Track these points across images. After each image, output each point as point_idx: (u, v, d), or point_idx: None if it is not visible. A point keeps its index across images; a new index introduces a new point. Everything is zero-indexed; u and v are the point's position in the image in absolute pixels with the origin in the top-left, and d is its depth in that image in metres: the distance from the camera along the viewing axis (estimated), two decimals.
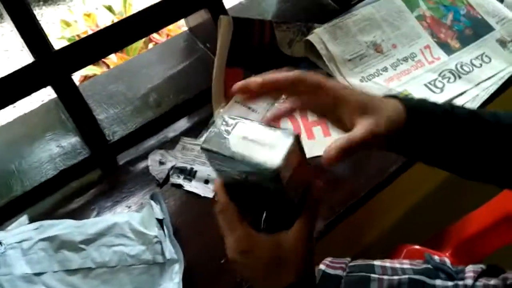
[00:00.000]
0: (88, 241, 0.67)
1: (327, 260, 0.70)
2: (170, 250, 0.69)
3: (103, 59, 1.85)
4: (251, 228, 0.46)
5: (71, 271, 0.66)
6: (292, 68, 0.48)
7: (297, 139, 0.42)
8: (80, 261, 0.66)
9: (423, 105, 0.49)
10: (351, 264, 0.71)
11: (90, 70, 1.89)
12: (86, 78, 1.83)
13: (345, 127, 0.47)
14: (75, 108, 0.79)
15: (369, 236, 1.22)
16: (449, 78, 0.89)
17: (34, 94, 0.75)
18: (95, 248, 0.67)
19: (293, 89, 0.48)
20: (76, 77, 1.91)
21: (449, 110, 0.49)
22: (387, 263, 0.70)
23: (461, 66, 0.91)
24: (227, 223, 0.47)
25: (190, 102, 0.90)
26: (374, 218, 1.10)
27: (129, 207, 0.78)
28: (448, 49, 0.94)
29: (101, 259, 0.66)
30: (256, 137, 0.42)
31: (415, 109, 0.48)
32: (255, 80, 0.47)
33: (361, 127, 0.45)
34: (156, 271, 0.68)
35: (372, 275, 0.67)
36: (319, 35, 0.92)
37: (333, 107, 0.47)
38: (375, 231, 1.24)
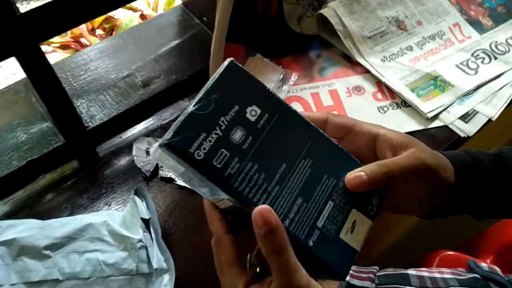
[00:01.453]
0: (55, 246, 0.54)
1: (351, 269, 0.58)
2: (158, 257, 0.56)
3: (81, 41, 1.69)
4: (251, 271, 0.36)
5: (34, 284, 0.53)
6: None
7: None
8: (44, 271, 0.53)
9: (466, 154, 0.45)
10: (380, 273, 0.58)
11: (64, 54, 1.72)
12: None
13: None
14: (45, 87, 0.66)
15: (387, 241, 1.10)
16: (483, 58, 0.78)
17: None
18: (64, 255, 0.54)
19: (322, 129, 0.41)
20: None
21: (498, 155, 0.45)
22: (424, 272, 0.58)
23: (496, 46, 0.79)
24: (222, 261, 0.36)
25: (184, 84, 0.77)
26: (391, 222, 0.98)
27: (109, 205, 0.65)
28: (480, 28, 0.83)
29: (70, 269, 0.53)
30: None
31: (461, 159, 0.44)
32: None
33: (407, 154, 0.40)
34: (140, 284, 0.55)
35: (408, 287, 0.55)
36: (334, 9, 0.79)
37: (369, 147, 0.42)
38: (393, 236, 1.12)
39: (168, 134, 0.31)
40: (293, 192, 0.34)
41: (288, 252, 0.33)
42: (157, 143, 0.31)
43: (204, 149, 0.31)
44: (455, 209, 0.46)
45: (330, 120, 0.42)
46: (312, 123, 0.37)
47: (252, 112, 0.34)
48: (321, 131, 0.37)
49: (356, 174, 0.38)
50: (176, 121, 0.31)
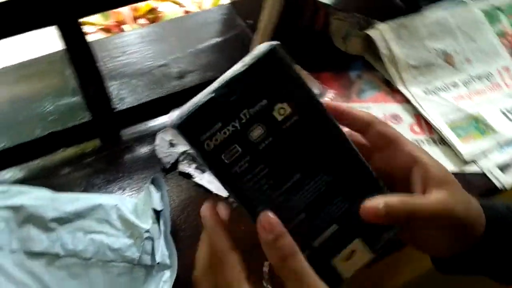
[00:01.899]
0: (62, 220, 0.52)
1: None
2: (163, 251, 0.54)
3: (123, 28, 1.70)
4: None
5: (33, 254, 0.51)
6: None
7: None
8: (46, 243, 0.52)
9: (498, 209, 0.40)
10: None
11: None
12: None
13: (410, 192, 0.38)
14: (80, 62, 0.65)
15: (401, 278, 1.05)
16: None
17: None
18: (69, 230, 0.52)
19: (363, 130, 0.39)
20: None
21: None
22: None
23: None
24: (229, 280, 0.32)
25: None
26: (408, 259, 0.94)
27: (123, 189, 0.63)
28: None
29: (73, 246, 0.52)
30: None
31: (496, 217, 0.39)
32: (327, 102, 0.37)
33: (437, 199, 0.35)
34: (140, 275, 0.53)
35: None
36: (382, 32, 0.77)
37: (404, 168, 0.38)
38: (408, 275, 1.07)
39: (183, 114, 0.28)
40: (298, 206, 0.31)
41: (298, 256, 0.31)
42: (174, 116, 0.29)
43: (216, 140, 0.28)
44: (476, 266, 0.41)
45: (374, 124, 0.38)
46: (347, 137, 0.34)
47: (281, 111, 0.30)
48: (354, 146, 0.34)
49: (373, 205, 0.34)
50: (196, 101, 0.28)
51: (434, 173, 0.37)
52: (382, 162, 0.38)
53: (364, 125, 0.38)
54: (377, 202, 0.34)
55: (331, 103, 0.38)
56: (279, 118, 0.30)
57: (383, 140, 0.38)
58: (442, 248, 0.40)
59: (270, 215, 0.31)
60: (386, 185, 0.36)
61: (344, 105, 0.39)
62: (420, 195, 0.36)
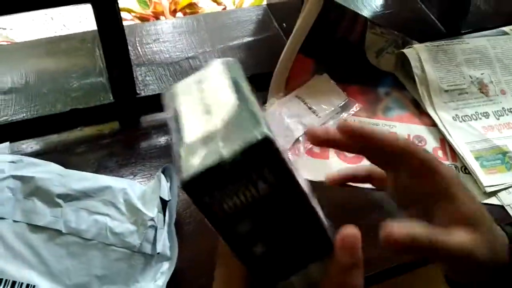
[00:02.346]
0: (68, 197, 0.52)
1: None
2: (164, 242, 0.53)
3: (160, 18, 1.71)
4: None
5: (36, 228, 0.51)
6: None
7: None
8: (50, 218, 0.51)
9: None
10: None
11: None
12: None
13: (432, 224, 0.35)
14: (111, 43, 0.66)
15: None
16: None
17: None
18: (74, 208, 0.52)
19: (395, 159, 0.36)
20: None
21: None
22: None
23: None
24: None
25: None
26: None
27: (134, 175, 0.63)
28: None
29: (76, 224, 0.51)
30: None
31: None
32: (357, 126, 0.36)
33: (460, 236, 0.34)
34: (139, 263, 0.52)
35: None
36: (418, 52, 0.75)
37: (435, 200, 0.36)
38: None
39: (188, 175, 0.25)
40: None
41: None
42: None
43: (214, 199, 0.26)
44: None
45: (414, 151, 0.36)
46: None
47: (263, 185, 0.26)
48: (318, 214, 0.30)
49: (400, 231, 0.31)
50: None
51: (463, 211, 0.35)
52: (411, 188, 0.36)
53: (403, 152, 0.35)
54: (404, 230, 0.32)
55: (355, 126, 0.36)
56: (261, 188, 0.27)
57: (420, 167, 0.36)
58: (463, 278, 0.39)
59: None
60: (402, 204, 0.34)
61: (370, 129, 0.36)
62: (444, 230, 0.34)
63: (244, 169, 0.25)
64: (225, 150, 0.24)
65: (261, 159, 0.25)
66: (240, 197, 0.26)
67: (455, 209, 0.35)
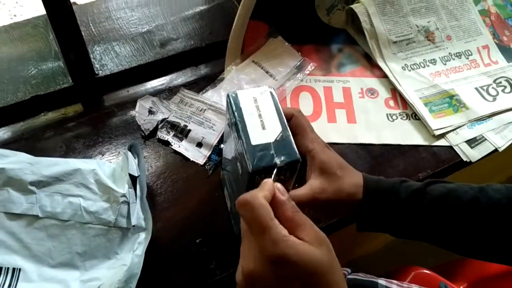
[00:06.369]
0: (41, 184, 0.54)
1: None
2: (138, 215, 0.56)
3: None
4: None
5: (13, 215, 0.54)
6: None
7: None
8: (26, 205, 0.54)
9: (382, 186, 0.48)
10: (350, 276, 0.59)
11: None
12: None
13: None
14: (62, 26, 0.66)
15: (366, 246, 1.10)
16: (505, 87, 0.76)
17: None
18: (48, 194, 0.54)
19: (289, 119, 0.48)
20: None
21: (421, 189, 0.47)
22: (394, 284, 0.58)
23: None
24: (256, 222, 0.35)
25: (200, 52, 0.77)
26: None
27: (102, 154, 0.65)
28: (509, 55, 0.81)
29: (51, 208, 0.54)
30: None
31: (373, 190, 0.47)
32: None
33: (307, 188, 0.46)
34: (116, 237, 0.55)
35: None
36: (366, 7, 0.78)
37: (305, 156, 0.47)
38: (375, 243, 1.11)
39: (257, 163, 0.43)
40: None
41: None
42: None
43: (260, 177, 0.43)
44: (371, 225, 0.49)
45: (294, 117, 0.48)
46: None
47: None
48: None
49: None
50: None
51: (316, 163, 0.46)
52: (298, 147, 0.45)
53: (290, 116, 0.47)
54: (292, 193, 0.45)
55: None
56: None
57: (298, 127, 0.47)
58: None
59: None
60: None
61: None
62: (296, 190, 0.46)
63: (282, 169, 0.42)
64: (277, 159, 0.42)
65: (293, 168, 0.43)
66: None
67: (313, 162, 0.46)
